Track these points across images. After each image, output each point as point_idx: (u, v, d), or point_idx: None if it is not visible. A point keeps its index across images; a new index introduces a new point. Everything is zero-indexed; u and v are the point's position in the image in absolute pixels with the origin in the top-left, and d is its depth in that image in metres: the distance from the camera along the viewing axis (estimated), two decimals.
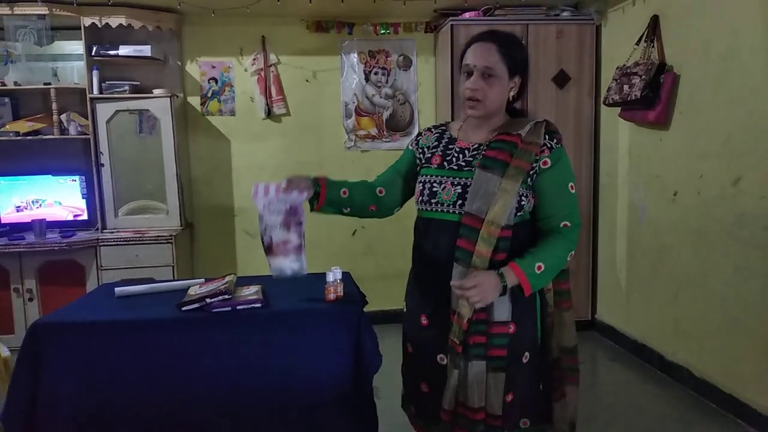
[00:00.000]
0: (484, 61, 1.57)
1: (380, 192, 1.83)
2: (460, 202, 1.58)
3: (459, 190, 1.59)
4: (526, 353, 1.64)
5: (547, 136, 1.58)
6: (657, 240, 3.37)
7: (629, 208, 3.67)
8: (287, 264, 1.70)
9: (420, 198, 1.66)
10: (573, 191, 1.60)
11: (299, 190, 1.69)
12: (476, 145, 1.64)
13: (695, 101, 3.02)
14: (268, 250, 1.71)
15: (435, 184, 1.63)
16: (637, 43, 3.36)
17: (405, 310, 1.80)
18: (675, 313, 3.24)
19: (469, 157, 1.63)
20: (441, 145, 1.70)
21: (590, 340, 3.99)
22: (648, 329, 3.52)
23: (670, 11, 3.18)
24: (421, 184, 1.67)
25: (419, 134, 1.79)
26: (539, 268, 1.54)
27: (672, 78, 3.13)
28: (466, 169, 1.61)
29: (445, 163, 1.65)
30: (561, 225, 1.60)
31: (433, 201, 1.62)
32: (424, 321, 1.68)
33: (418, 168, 1.73)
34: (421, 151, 1.74)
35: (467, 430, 1.61)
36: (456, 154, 1.65)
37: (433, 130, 1.77)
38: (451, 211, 1.60)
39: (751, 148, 2.66)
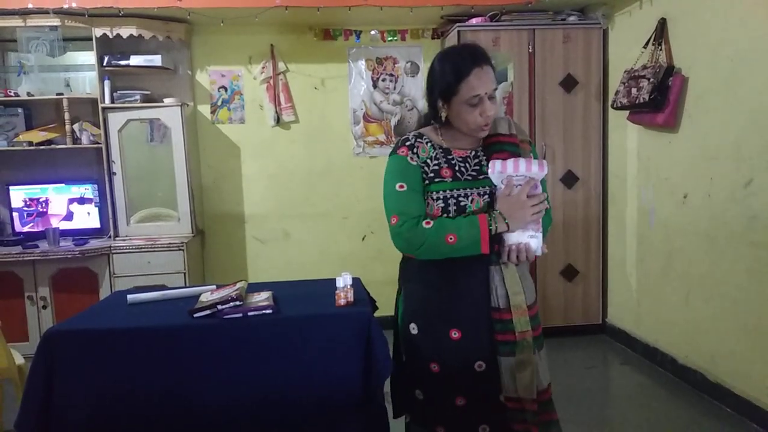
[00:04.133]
0: (492, 85, 1.60)
1: None
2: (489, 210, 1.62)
3: (487, 198, 1.62)
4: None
5: (524, 132, 1.73)
6: (667, 243, 3.36)
7: (639, 211, 3.65)
8: (524, 238, 1.57)
9: (444, 215, 1.60)
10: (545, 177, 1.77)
11: (540, 165, 1.59)
12: (472, 152, 1.68)
13: (704, 104, 3.01)
14: None
15: (461, 198, 1.61)
16: (645, 46, 3.35)
17: (415, 331, 1.72)
18: (687, 317, 3.22)
19: (475, 165, 1.66)
20: (440, 157, 1.65)
21: (601, 343, 3.97)
22: (660, 333, 3.50)
23: (678, 14, 3.18)
24: (442, 201, 1.60)
25: (411, 146, 1.66)
26: None
27: (680, 80, 3.12)
28: (481, 177, 1.64)
29: (459, 175, 1.64)
30: None
31: (462, 215, 1.62)
32: (455, 335, 1.65)
33: (426, 183, 1.64)
34: (424, 164, 1.65)
35: (548, 412, 1.66)
36: (461, 164, 1.66)
37: (421, 140, 1.68)
38: None
39: (762, 150, 2.65)
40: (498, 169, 1.57)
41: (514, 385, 1.61)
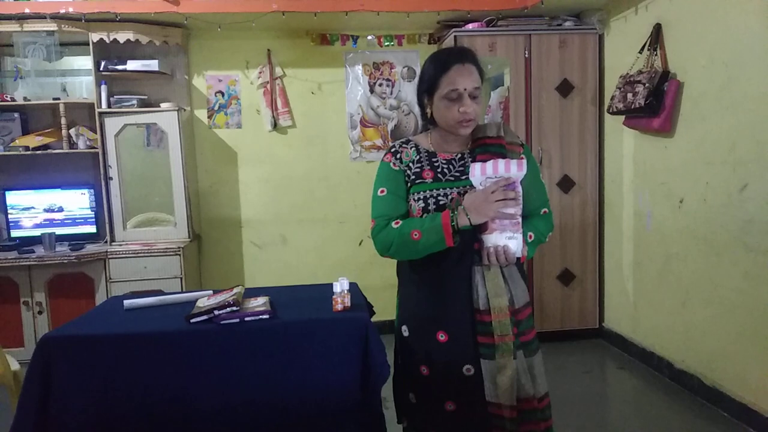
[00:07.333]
0: (472, 83, 1.61)
1: None
2: None
3: None
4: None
5: (517, 136, 1.74)
6: (664, 247, 3.37)
7: (635, 215, 3.66)
8: (503, 240, 1.57)
9: (424, 215, 1.63)
10: (543, 181, 1.78)
11: (518, 165, 1.59)
12: (458, 155, 1.70)
13: (700, 108, 3.02)
14: (482, 227, 1.58)
15: (441, 197, 1.63)
16: (640, 52, 3.37)
17: (407, 333, 1.74)
18: (684, 321, 3.23)
19: (459, 166, 1.68)
20: (424, 160, 1.69)
21: (598, 347, 3.97)
22: (656, 337, 3.50)
23: (673, 19, 3.20)
24: (422, 201, 1.64)
25: (396, 152, 1.72)
26: (530, 236, 1.66)
27: (676, 85, 3.14)
28: (463, 177, 1.65)
29: (440, 176, 1.66)
30: (541, 212, 1.74)
31: None
32: (442, 337, 1.65)
33: (408, 186, 1.68)
34: (406, 168, 1.69)
35: (533, 422, 1.63)
36: (444, 166, 1.68)
37: (406, 145, 1.73)
38: None
39: (757, 155, 2.66)
40: (477, 173, 1.59)
41: (495, 389, 1.61)
